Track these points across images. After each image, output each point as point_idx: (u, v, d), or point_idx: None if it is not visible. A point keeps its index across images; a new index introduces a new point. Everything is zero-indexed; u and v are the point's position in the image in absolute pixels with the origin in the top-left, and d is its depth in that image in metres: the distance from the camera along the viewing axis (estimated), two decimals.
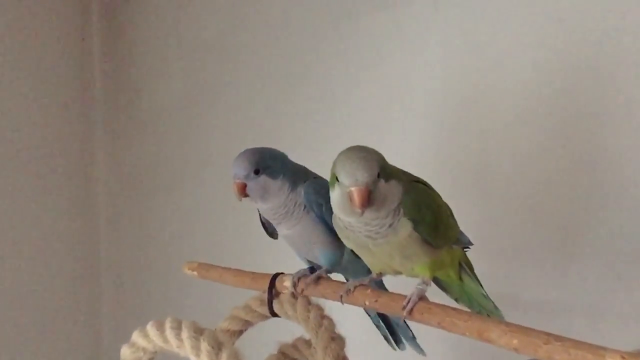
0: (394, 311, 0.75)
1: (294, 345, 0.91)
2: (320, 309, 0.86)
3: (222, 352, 0.73)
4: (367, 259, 0.81)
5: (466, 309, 0.84)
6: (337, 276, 0.91)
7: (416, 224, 0.74)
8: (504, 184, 1.09)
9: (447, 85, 1.16)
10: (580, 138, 1.00)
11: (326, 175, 0.77)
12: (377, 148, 0.74)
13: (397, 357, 1.00)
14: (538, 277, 1.04)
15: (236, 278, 0.96)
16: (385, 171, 0.72)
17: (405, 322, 0.95)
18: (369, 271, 0.83)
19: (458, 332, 0.67)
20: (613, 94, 0.97)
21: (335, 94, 1.34)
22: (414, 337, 0.96)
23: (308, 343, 0.89)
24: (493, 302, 0.85)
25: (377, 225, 0.73)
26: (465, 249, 0.86)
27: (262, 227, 0.96)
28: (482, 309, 0.85)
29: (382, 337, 0.99)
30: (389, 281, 0.90)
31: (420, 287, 0.74)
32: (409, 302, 0.72)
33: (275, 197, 0.86)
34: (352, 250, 0.81)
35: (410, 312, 0.72)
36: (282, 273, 0.91)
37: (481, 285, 0.85)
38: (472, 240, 0.86)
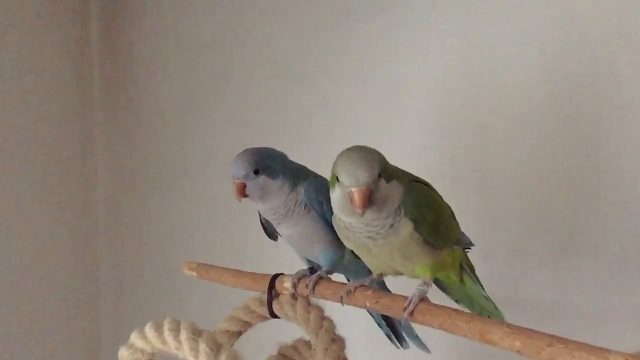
0: (395, 312, 0.75)
1: (293, 347, 0.90)
2: (320, 310, 0.86)
3: (221, 353, 0.73)
4: (367, 260, 0.80)
5: (467, 310, 0.84)
6: (338, 277, 0.90)
7: (417, 225, 0.73)
8: (504, 185, 1.09)
9: (447, 85, 1.16)
10: (581, 138, 1.00)
11: (326, 175, 0.77)
12: (377, 148, 0.73)
13: (398, 358, 0.99)
14: (539, 279, 1.04)
15: (236, 278, 0.95)
16: (386, 171, 0.71)
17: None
18: (370, 271, 0.83)
19: (460, 333, 0.66)
20: (614, 93, 0.96)
21: (335, 94, 1.34)
22: (417, 336, 0.96)
23: (308, 344, 0.88)
24: (494, 304, 0.84)
25: (377, 225, 0.72)
26: (466, 250, 0.85)
27: (262, 228, 0.95)
28: (483, 310, 0.85)
29: (382, 338, 0.98)
30: (390, 282, 0.89)
31: (421, 288, 0.74)
32: (410, 303, 0.72)
33: (275, 197, 0.86)
34: (352, 251, 0.81)
35: (412, 313, 0.72)
36: (282, 274, 0.90)
37: (482, 287, 0.84)
38: (472, 241, 0.85)
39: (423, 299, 0.72)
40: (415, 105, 1.20)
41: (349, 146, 0.73)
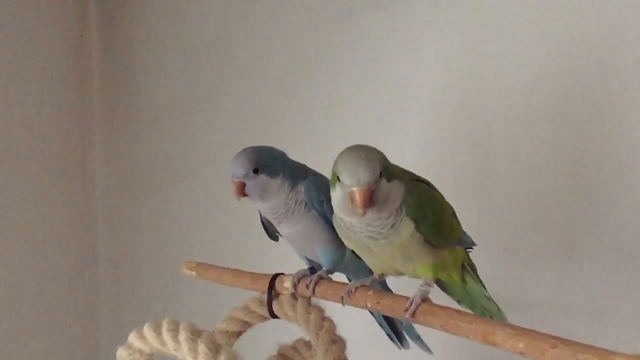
0: (396, 313, 0.74)
1: (293, 347, 0.90)
2: (321, 310, 0.85)
3: (220, 354, 0.72)
4: (368, 260, 0.79)
5: (469, 311, 0.83)
6: (339, 276, 0.90)
7: (418, 224, 0.73)
8: (506, 185, 1.08)
9: (448, 84, 1.15)
10: (581, 138, 0.99)
11: (327, 174, 0.76)
12: (377, 147, 0.73)
13: (399, 358, 0.98)
14: (541, 279, 1.03)
15: (235, 278, 0.95)
16: (388, 171, 0.71)
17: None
18: (371, 271, 0.82)
19: (462, 334, 0.66)
20: (615, 92, 0.96)
21: (336, 93, 1.34)
22: (419, 336, 0.95)
23: (308, 345, 0.88)
24: (496, 304, 0.84)
25: (378, 225, 0.72)
26: (468, 250, 0.85)
27: (262, 227, 0.94)
28: (485, 311, 0.84)
29: (383, 339, 0.98)
30: (391, 282, 0.89)
31: (422, 288, 0.73)
32: (411, 303, 0.71)
33: (275, 196, 0.85)
34: (352, 251, 0.80)
35: (413, 314, 0.71)
36: (282, 273, 0.90)
37: (484, 287, 0.84)
38: (474, 241, 0.85)
39: (425, 299, 0.72)
40: (416, 104, 1.20)
41: (349, 145, 0.73)
